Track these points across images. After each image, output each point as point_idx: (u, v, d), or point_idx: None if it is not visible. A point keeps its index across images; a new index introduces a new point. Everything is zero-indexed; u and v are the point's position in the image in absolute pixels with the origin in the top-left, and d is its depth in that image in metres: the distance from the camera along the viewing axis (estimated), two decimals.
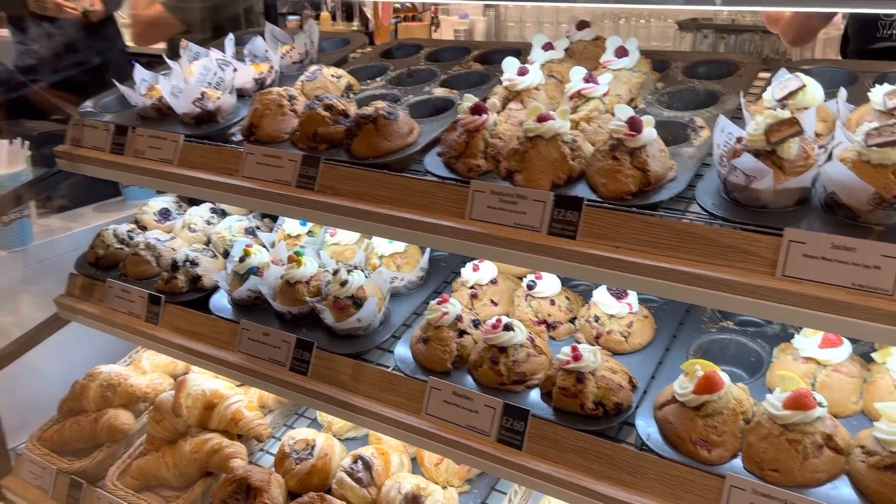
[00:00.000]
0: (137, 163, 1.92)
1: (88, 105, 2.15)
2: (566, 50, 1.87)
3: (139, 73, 2.09)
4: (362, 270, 1.83)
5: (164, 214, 2.36)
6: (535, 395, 1.56)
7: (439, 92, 1.89)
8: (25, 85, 2.75)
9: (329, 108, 1.72)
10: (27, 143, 2.35)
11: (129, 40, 3.69)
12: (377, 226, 1.57)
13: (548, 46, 1.87)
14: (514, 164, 1.47)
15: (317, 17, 6.61)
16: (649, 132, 1.38)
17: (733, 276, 1.21)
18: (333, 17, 6.81)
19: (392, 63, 2.17)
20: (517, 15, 6.60)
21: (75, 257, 2.31)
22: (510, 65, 1.72)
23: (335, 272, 1.80)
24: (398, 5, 6.56)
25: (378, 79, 2.07)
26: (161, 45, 3.25)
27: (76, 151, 2.04)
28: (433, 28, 6.73)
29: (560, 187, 1.44)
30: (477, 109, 1.55)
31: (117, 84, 2.07)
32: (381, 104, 1.67)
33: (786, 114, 1.26)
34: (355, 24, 6.79)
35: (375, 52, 2.29)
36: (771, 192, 1.24)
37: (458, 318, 1.66)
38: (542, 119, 1.45)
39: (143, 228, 2.33)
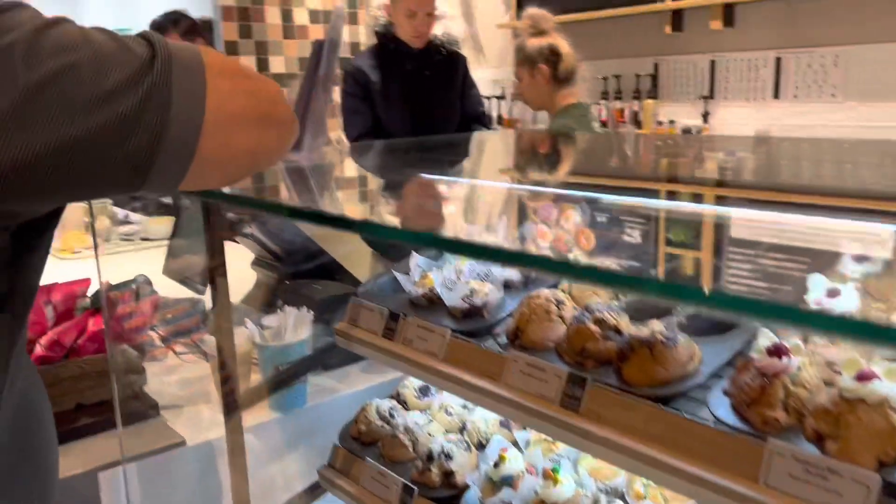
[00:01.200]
0: (406, 352, 1.94)
1: (366, 286, 2.28)
2: (887, 262, 1.59)
3: (414, 258, 2.18)
4: (624, 500, 1.65)
5: (424, 392, 2.39)
6: None
7: None
8: (323, 253, 3.00)
9: (599, 322, 1.62)
10: (311, 311, 2.55)
11: None
12: (647, 469, 1.38)
13: (861, 257, 1.61)
14: (824, 427, 1.23)
15: None
16: None
17: None
18: None
19: None
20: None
21: (341, 421, 2.40)
22: (818, 284, 1.49)
23: (595, 501, 1.64)
24: None
25: None
26: None
27: (352, 331, 2.14)
28: None
29: (887, 466, 1.16)
30: (777, 351, 1.34)
31: (394, 272, 2.17)
32: (658, 327, 1.52)
33: None
34: None
35: None
36: None
37: None
38: (863, 378, 1.20)
39: (403, 403, 2.38)
